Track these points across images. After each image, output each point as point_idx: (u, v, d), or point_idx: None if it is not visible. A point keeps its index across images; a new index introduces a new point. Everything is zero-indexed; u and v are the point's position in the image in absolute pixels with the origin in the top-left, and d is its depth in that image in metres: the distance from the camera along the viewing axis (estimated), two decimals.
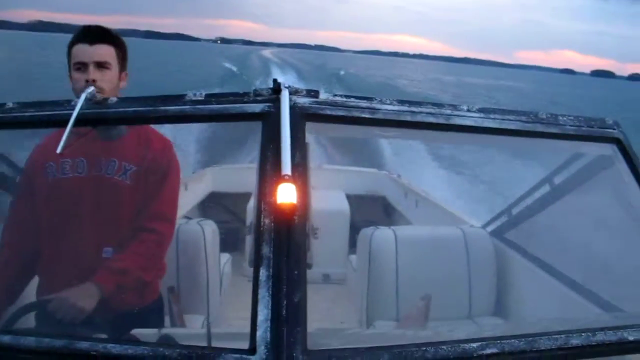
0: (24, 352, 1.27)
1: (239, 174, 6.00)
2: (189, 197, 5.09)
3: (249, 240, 4.32)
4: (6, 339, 1.30)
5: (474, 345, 1.29)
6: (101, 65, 2.15)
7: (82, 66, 2.14)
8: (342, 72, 60.38)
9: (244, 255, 4.57)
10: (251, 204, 4.76)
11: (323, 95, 1.57)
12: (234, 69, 52.07)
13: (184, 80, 34.05)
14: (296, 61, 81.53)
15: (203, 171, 6.00)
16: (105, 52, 2.18)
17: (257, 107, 1.51)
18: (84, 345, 1.25)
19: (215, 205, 5.69)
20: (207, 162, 7.72)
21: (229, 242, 4.28)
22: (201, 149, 11.21)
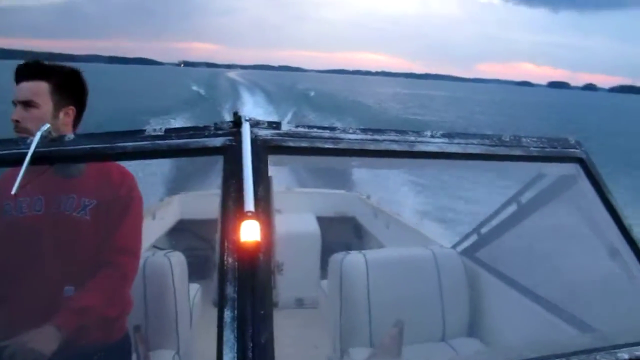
0: None
1: (207, 200, 5.93)
2: (157, 225, 5.01)
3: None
4: None
5: None
6: (27, 104, 2.10)
7: (14, 105, 2.11)
8: (312, 94, 60.08)
9: (215, 285, 4.50)
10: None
11: (285, 127, 1.55)
12: (202, 91, 51.89)
13: (153, 105, 33.86)
14: (263, 82, 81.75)
15: (170, 198, 5.92)
16: (30, 89, 2.12)
17: (217, 141, 1.48)
18: None
19: (184, 232, 5.61)
20: (174, 189, 7.63)
21: (199, 271, 4.21)
22: (166, 177, 11.09)
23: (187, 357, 2.90)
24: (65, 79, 2.20)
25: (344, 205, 6.10)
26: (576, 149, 1.89)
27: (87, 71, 2.32)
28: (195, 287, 3.56)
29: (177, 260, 2.96)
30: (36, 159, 1.54)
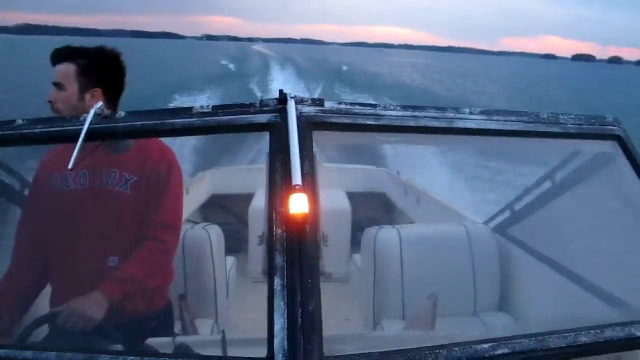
0: None
1: (239, 176, 6.03)
2: (191, 201, 5.11)
3: (252, 244, 4.35)
4: (28, 354, 1.32)
5: (485, 346, 1.32)
6: (57, 86, 2.23)
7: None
8: (345, 68, 58.70)
9: (248, 258, 4.60)
10: (253, 206, 4.80)
11: (328, 104, 1.60)
12: (231, 66, 51.72)
13: (187, 79, 34.03)
14: (293, 55, 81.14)
15: (203, 174, 6.02)
16: (60, 72, 2.24)
17: (264, 118, 1.53)
18: (104, 359, 1.28)
19: (217, 208, 5.71)
20: (205, 165, 7.73)
21: (233, 245, 4.31)
22: (198, 153, 11.20)
23: (225, 326, 3.00)
24: (92, 61, 2.28)
25: (374, 182, 6.12)
26: (614, 126, 1.89)
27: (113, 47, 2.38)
28: (231, 260, 3.66)
29: (215, 233, 3.04)
30: (89, 136, 1.61)
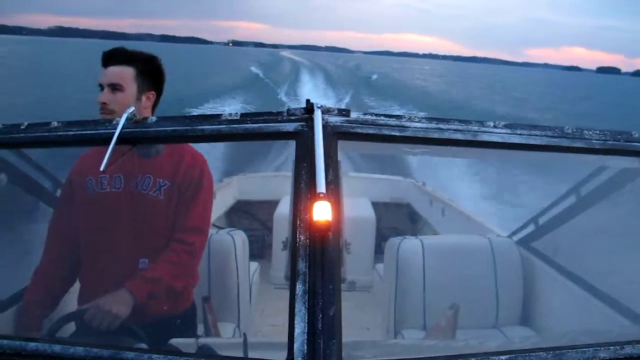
0: None
1: (264, 183, 6.09)
2: (216, 206, 5.16)
3: (276, 250, 4.38)
4: (57, 348, 1.37)
5: (504, 357, 1.33)
6: (114, 87, 2.25)
7: (101, 88, 2.26)
8: (374, 77, 58.30)
9: (271, 264, 4.64)
10: (277, 212, 4.84)
11: (354, 114, 1.62)
12: (259, 72, 52.01)
13: (217, 84, 34.51)
14: (323, 62, 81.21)
15: (229, 179, 6.09)
16: (117, 73, 2.26)
17: (290, 127, 1.57)
18: (130, 355, 1.31)
19: (242, 213, 5.77)
20: (232, 171, 7.81)
21: (256, 251, 4.35)
22: (225, 159, 11.31)
23: (247, 330, 3.04)
24: (147, 65, 2.34)
25: (399, 192, 6.13)
26: (639, 142, 1.89)
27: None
28: (254, 265, 3.70)
29: (240, 238, 3.09)
30: (121, 140, 1.66)
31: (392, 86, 46.88)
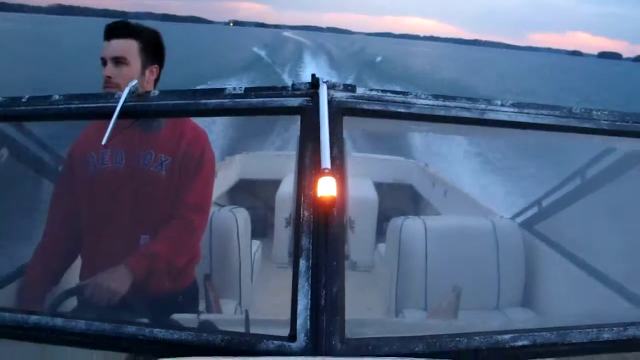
0: (74, 335, 1.34)
1: (267, 161, 6.07)
2: (219, 184, 5.15)
3: (278, 228, 4.38)
4: (58, 321, 1.36)
5: (506, 337, 1.32)
6: (118, 61, 2.21)
7: (103, 62, 2.22)
8: (378, 59, 57.63)
9: (273, 242, 4.64)
10: (280, 191, 4.83)
11: (360, 90, 1.60)
12: (262, 53, 51.71)
13: (219, 64, 34.33)
14: (327, 43, 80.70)
15: (232, 158, 6.07)
16: (121, 47, 2.23)
17: (295, 102, 1.55)
18: (131, 329, 1.31)
19: (244, 192, 5.76)
20: (235, 149, 7.79)
21: (258, 229, 4.35)
22: (227, 137, 11.28)
23: (248, 308, 3.04)
24: (150, 39, 2.31)
25: (402, 173, 6.11)
26: None
27: None
28: (256, 244, 3.69)
29: (242, 216, 3.08)
30: (123, 113, 1.64)
31: (397, 69, 46.56)
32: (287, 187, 4.76)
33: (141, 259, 2.15)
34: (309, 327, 1.23)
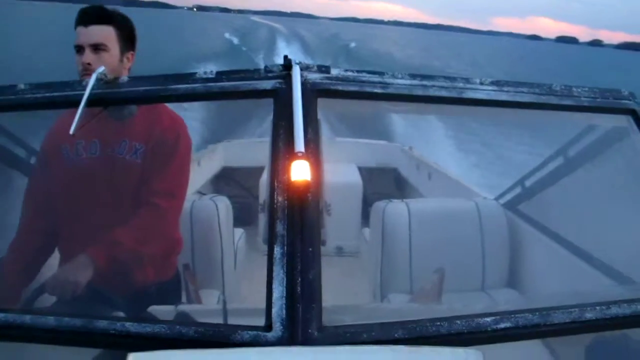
0: (44, 332, 1.29)
1: (251, 149, 6.02)
2: (201, 173, 5.11)
3: (262, 216, 4.34)
4: (26, 319, 1.32)
5: (488, 319, 1.30)
6: (97, 48, 2.14)
7: (79, 49, 2.14)
8: (352, 45, 57.56)
9: (258, 230, 4.60)
10: (263, 179, 4.78)
11: (334, 71, 1.56)
12: (234, 40, 51.16)
13: (192, 51, 34.05)
14: (304, 31, 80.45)
15: (215, 146, 6.01)
16: (100, 33, 2.15)
17: (268, 84, 1.51)
18: (102, 324, 1.27)
19: (228, 180, 5.71)
20: (216, 137, 7.71)
21: (242, 218, 4.31)
22: (209, 125, 11.19)
23: (232, 298, 3.00)
24: (125, 25, 2.24)
25: (386, 156, 6.09)
26: (629, 100, 1.84)
27: None
28: (239, 232, 3.65)
29: (223, 204, 3.03)
30: (92, 101, 1.59)
31: (372, 56, 46.58)
32: None
33: (101, 246, 2.05)
34: (285, 316, 1.19)
